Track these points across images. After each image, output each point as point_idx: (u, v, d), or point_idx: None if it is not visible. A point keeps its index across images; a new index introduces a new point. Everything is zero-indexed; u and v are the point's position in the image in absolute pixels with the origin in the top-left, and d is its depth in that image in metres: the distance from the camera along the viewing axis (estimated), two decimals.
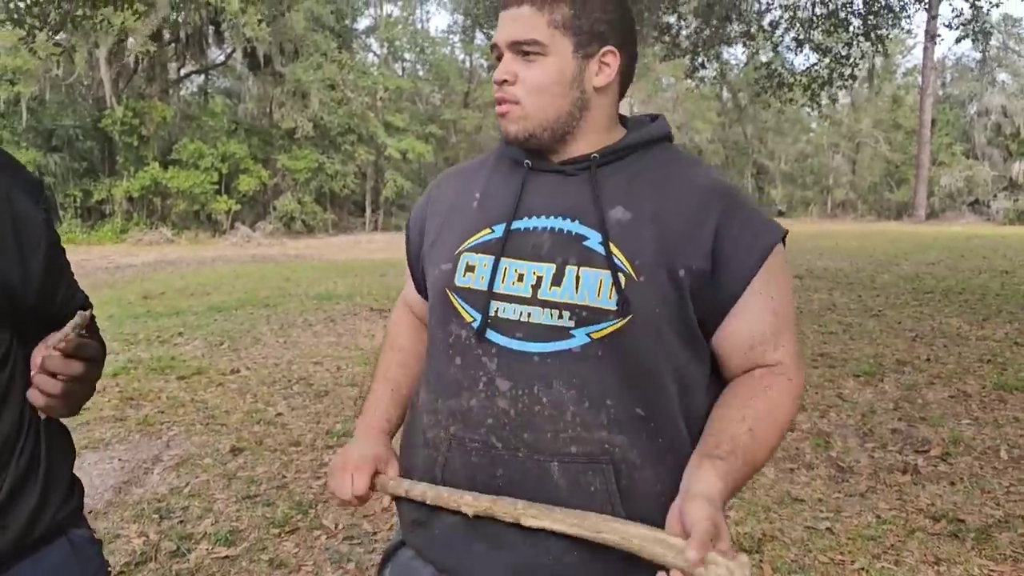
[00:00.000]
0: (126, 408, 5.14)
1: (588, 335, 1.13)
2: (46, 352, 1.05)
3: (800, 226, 32.33)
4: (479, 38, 39.40)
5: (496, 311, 1.18)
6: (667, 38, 10.30)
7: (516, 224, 1.22)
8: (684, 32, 10.26)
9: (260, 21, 22.37)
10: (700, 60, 10.52)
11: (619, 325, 1.13)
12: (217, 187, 27.01)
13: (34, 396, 1.06)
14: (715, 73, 10.99)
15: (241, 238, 25.63)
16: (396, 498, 1.30)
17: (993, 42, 35.95)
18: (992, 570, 3.05)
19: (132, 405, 5.22)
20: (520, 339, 1.16)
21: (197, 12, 24.98)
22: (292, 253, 21.07)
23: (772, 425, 1.15)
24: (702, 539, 0.92)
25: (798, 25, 10.07)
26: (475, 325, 1.19)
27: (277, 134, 29.59)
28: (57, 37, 6.94)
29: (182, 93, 31.01)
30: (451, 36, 39.55)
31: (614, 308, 1.12)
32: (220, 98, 30.72)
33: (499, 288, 1.19)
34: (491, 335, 1.18)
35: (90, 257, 18.24)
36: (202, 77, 31.74)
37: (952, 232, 25.18)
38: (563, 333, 1.14)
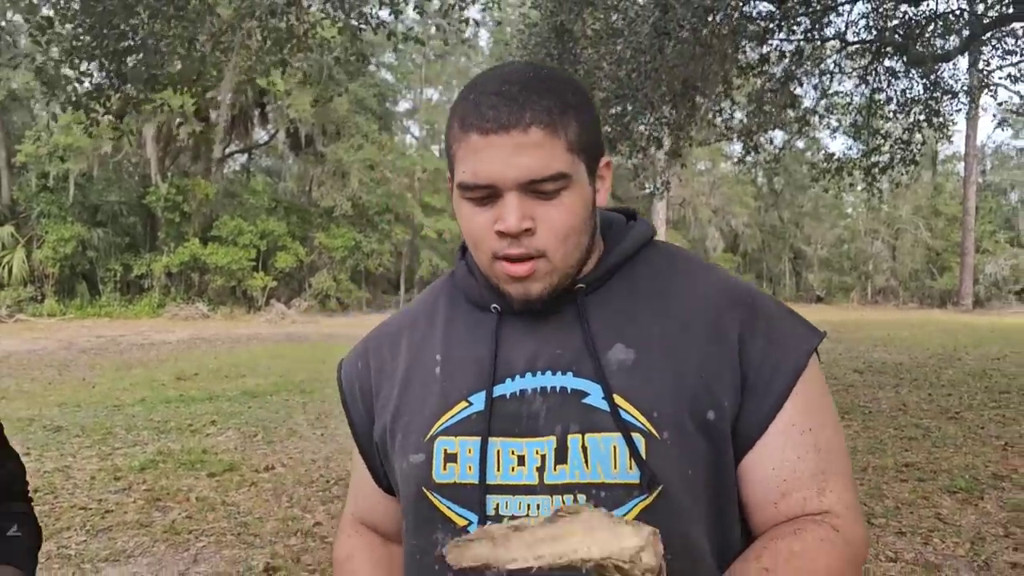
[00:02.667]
0: (152, 511, 4.73)
1: None
2: None
3: (843, 313, 31.62)
4: None
5: (496, 507, 0.90)
6: (719, 120, 10.10)
7: (499, 390, 0.92)
8: (737, 116, 10.09)
9: (315, 102, 22.62)
10: (753, 143, 10.27)
11: (648, 502, 0.86)
12: (254, 263, 27.20)
13: None
14: (769, 157, 10.73)
15: (276, 315, 25.58)
16: None
17: None
18: None
19: (159, 507, 4.80)
20: None
21: (244, 93, 25.65)
22: (326, 331, 20.86)
23: (799, 571, 0.83)
24: None
25: (855, 111, 9.82)
26: (472, 530, 0.88)
27: (316, 212, 29.93)
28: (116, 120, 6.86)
29: (225, 171, 31.64)
30: None
31: (636, 482, 0.86)
32: (261, 176, 31.28)
33: (494, 479, 0.90)
34: None
35: (126, 332, 18.18)
36: (245, 156, 32.43)
37: (1007, 323, 24.32)
38: None
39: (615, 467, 0.86)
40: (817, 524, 0.88)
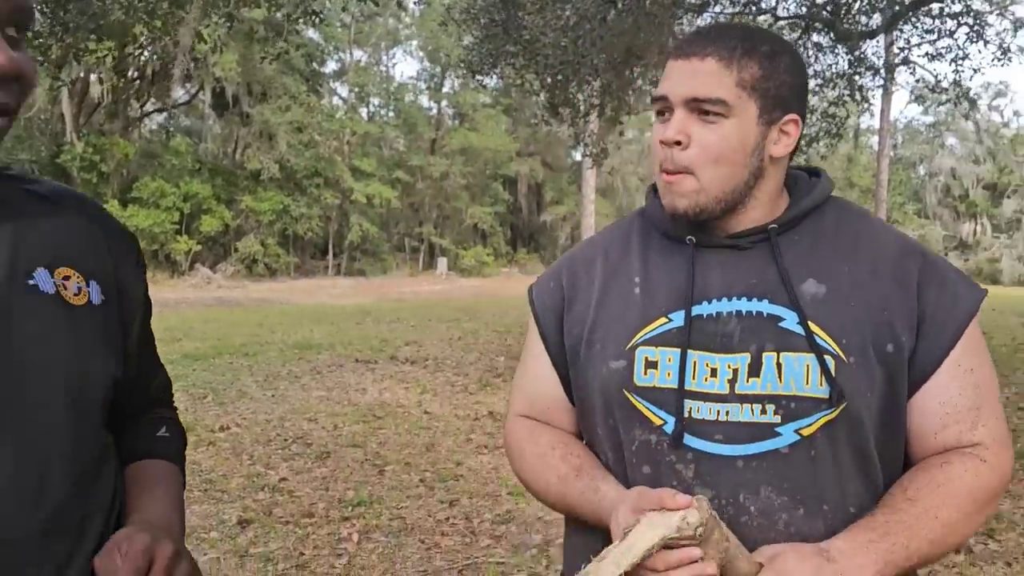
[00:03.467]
0: None
1: (796, 431, 1.00)
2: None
3: None
4: (447, 86, 39.83)
5: (690, 411, 1.03)
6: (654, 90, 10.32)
7: (696, 310, 1.06)
8: None
9: (262, 59, 21.78)
10: None
11: (832, 415, 0.99)
12: (178, 227, 26.40)
13: None
14: None
15: (202, 280, 24.99)
16: None
17: (942, 107, 37.38)
18: None
19: None
20: (719, 442, 1.02)
21: (166, 49, 24.68)
22: (256, 296, 20.54)
23: (945, 497, 0.98)
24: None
25: None
26: (667, 429, 1.04)
27: (242, 175, 29.16)
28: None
29: (142, 131, 30.46)
30: (419, 83, 39.77)
31: (826, 397, 0.99)
32: (181, 137, 30.23)
33: (691, 385, 1.04)
34: (688, 439, 1.03)
35: None
36: (163, 116, 31.27)
37: None
38: (768, 431, 1.01)
39: (807, 383, 0.99)
40: (965, 456, 1.01)
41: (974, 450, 1.02)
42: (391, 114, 37.71)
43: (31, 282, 0.84)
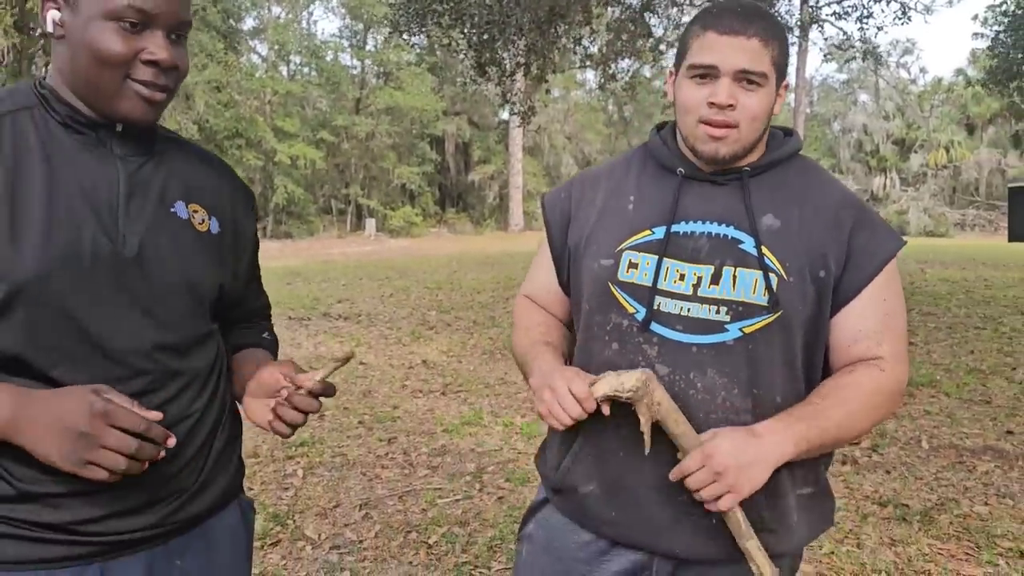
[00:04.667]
0: None
1: (741, 330, 1.28)
2: (288, 384, 1.26)
3: None
4: (370, 44, 39.10)
5: (658, 305, 1.31)
6: (579, 49, 10.58)
7: (675, 227, 1.34)
8: (596, 46, 10.62)
9: None
10: (612, 72, 10.86)
11: (769, 320, 1.28)
12: None
13: (280, 428, 1.27)
14: (625, 86, 11.37)
15: None
16: (538, 464, 1.50)
17: (854, 64, 38.68)
18: (940, 548, 3.34)
19: None
20: (679, 331, 1.30)
21: None
22: None
23: (849, 394, 1.27)
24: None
25: None
26: (638, 316, 1.32)
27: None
28: None
29: None
30: (341, 40, 38.95)
31: (766, 304, 1.27)
32: None
33: (662, 285, 1.32)
34: (654, 326, 1.31)
35: None
36: None
37: None
38: (718, 327, 1.29)
39: (754, 292, 1.27)
40: (869, 365, 1.29)
41: (877, 362, 1.30)
42: (313, 73, 36.93)
43: (172, 209, 1.22)
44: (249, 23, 35.06)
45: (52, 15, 1.11)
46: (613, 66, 10.98)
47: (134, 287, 1.14)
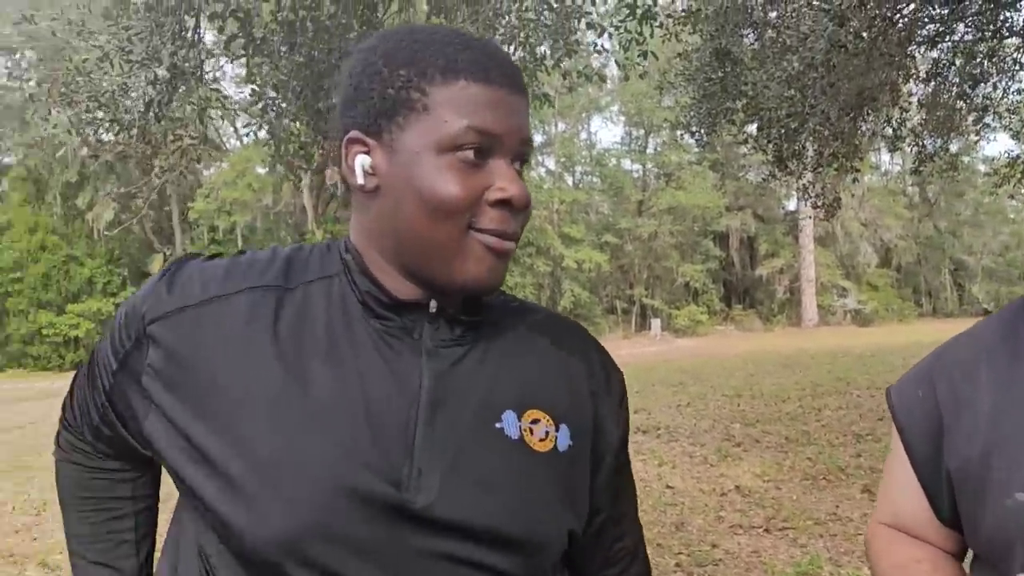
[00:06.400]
0: None
1: None
2: None
3: None
4: (650, 147, 39.93)
5: None
6: (889, 131, 9.63)
7: None
8: (908, 124, 9.60)
9: None
10: (927, 152, 9.72)
11: None
12: None
13: None
14: (945, 165, 10.10)
15: None
16: None
17: None
18: None
19: None
20: None
21: None
22: None
23: None
24: None
25: None
26: None
27: None
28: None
29: None
30: (622, 147, 40.23)
31: None
32: None
33: None
34: None
35: None
36: None
37: None
38: None
39: None
40: None
41: None
42: (596, 180, 38.37)
43: (498, 424, 0.84)
44: (537, 139, 37.52)
45: (361, 162, 0.81)
46: (932, 144, 9.83)
47: (426, 554, 0.78)
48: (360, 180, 0.82)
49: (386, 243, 0.82)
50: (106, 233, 26.57)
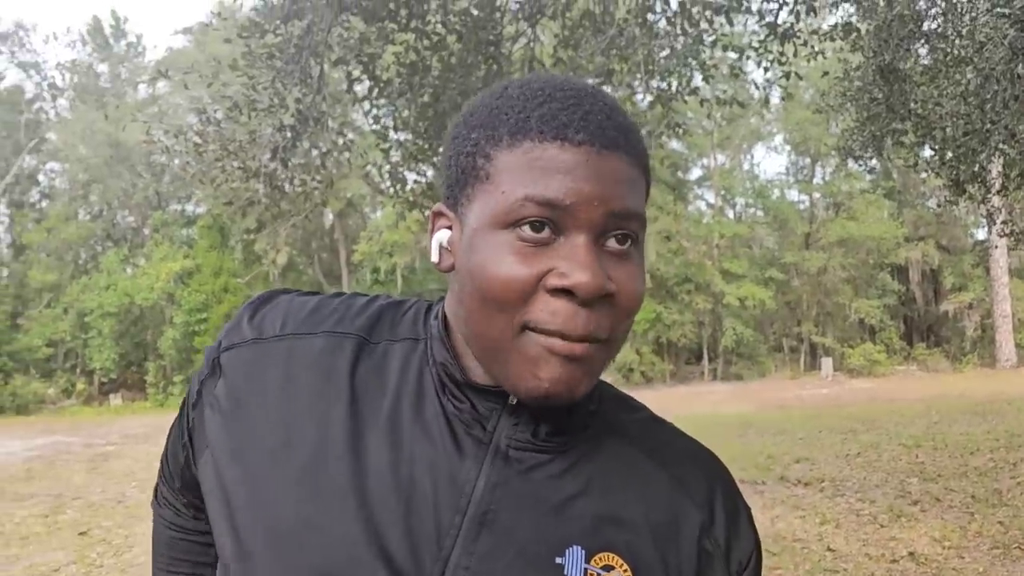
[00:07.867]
0: None
1: None
2: None
3: None
4: (818, 176, 37.95)
5: None
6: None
7: None
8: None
9: None
10: None
11: None
12: None
13: None
14: None
15: None
16: None
17: None
18: None
19: None
20: None
21: None
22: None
23: None
24: None
25: None
26: None
27: None
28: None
29: None
30: (787, 177, 38.53)
31: None
32: None
33: None
34: None
35: None
36: None
37: None
38: None
39: None
40: None
41: None
42: (759, 212, 36.89)
43: (559, 560, 0.67)
44: (695, 172, 36.75)
45: (439, 237, 0.71)
46: None
47: None
48: (435, 257, 0.73)
49: (460, 327, 0.72)
50: (280, 276, 28.45)
